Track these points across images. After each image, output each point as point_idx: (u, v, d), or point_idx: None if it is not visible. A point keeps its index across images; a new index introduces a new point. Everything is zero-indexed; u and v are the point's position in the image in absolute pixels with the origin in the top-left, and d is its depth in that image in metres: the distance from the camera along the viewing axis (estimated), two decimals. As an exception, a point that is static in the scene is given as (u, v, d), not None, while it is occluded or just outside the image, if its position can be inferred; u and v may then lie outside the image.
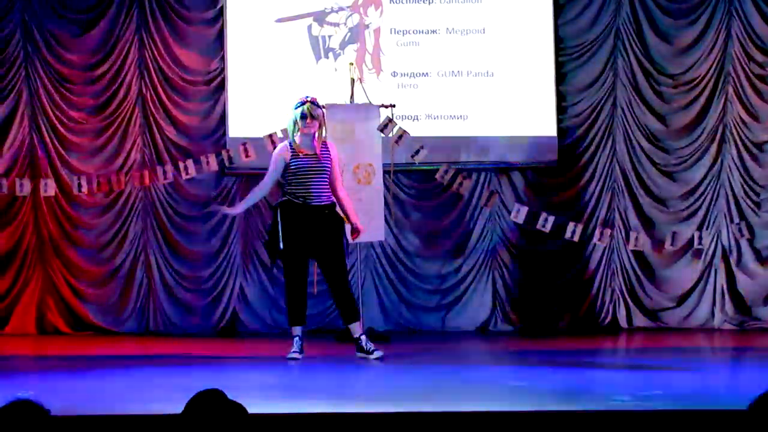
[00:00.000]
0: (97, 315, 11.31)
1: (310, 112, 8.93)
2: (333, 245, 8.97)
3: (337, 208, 9.02)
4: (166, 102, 11.35)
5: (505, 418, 6.03)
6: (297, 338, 9.05)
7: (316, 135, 8.97)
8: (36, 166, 11.30)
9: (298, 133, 8.99)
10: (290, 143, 9.02)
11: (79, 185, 10.74)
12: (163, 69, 11.36)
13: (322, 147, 8.98)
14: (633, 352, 10.49)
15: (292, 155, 8.95)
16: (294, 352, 8.97)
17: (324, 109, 9.17)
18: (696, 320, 11.30)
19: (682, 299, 11.31)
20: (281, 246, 8.92)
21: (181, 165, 10.64)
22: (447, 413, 6.09)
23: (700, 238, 10.83)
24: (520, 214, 10.51)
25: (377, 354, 8.95)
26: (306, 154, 8.94)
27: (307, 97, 9.07)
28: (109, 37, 11.36)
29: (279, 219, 8.94)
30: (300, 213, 8.88)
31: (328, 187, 8.97)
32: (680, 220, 11.26)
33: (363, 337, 9.07)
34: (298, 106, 9.00)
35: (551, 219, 10.46)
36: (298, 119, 8.95)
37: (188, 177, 10.76)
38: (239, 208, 9.67)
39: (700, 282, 11.30)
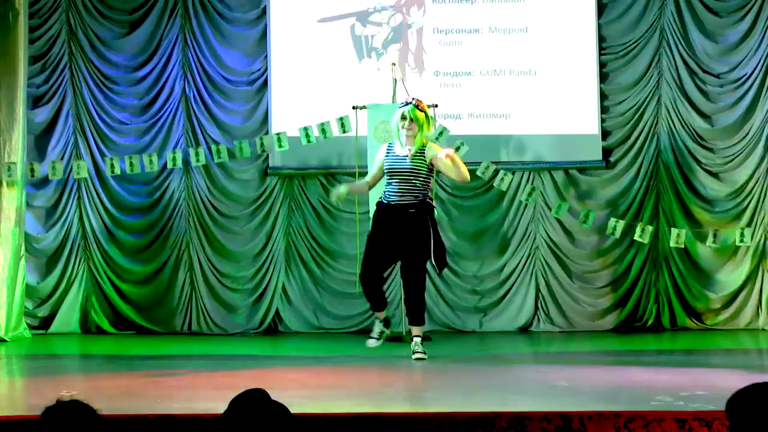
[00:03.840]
0: (140, 315, 11.36)
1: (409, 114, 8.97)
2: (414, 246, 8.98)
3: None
4: (209, 102, 11.39)
5: (548, 418, 6.01)
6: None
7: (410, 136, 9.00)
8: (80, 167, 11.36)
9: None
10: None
11: (112, 167, 10.78)
12: (206, 69, 11.40)
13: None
14: (676, 352, 10.41)
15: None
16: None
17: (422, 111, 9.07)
18: (741, 321, 11.21)
19: (728, 300, 11.22)
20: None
21: (213, 148, 10.72)
22: (489, 413, 6.07)
23: (742, 235, 10.75)
24: (561, 210, 10.49)
25: (418, 355, 8.94)
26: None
27: (410, 98, 9.12)
28: (153, 38, 11.42)
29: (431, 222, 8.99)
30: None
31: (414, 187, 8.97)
32: (727, 221, 11.17)
33: (417, 339, 9.07)
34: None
35: (592, 215, 10.44)
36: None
37: (219, 161, 10.83)
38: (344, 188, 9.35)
39: (747, 283, 11.20)
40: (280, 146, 10.37)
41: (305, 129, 10.33)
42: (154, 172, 11.27)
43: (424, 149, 8.95)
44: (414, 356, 8.93)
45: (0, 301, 10.67)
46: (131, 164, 10.78)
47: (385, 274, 9.47)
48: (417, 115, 8.91)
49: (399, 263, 9.16)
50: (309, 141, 10.30)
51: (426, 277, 9.07)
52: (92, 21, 11.42)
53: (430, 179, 9.01)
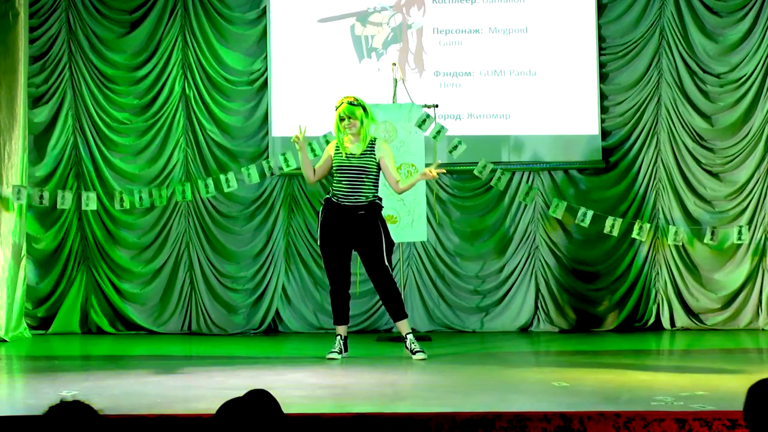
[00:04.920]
0: (140, 315, 11.37)
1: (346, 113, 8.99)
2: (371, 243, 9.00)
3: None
4: (209, 102, 11.39)
5: (547, 418, 6.01)
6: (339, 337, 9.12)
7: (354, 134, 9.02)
8: (79, 167, 11.37)
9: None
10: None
11: (121, 200, 10.81)
12: (206, 69, 11.41)
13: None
14: (676, 352, 10.43)
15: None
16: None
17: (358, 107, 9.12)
18: (741, 321, 11.21)
19: (728, 300, 11.22)
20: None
21: (222, 177, 10.71)
22: (489, 413, 6.07)
23: (740, 233, 10.75)
24: (558, 209, 10.50)
25: (419, 356, 8.94)
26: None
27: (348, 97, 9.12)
28: (153, 38, 11.43)
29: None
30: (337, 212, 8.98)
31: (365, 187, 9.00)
32: (727, 221, 11.17)
33: (409, 336, 9.08)
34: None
35: (590, 213, 10.45)
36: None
37: (229, 190, 10.83)
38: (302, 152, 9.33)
39: (747, 283, 11.20)
40: (288, 166, 10.36)
41: (309, 144, 10.31)
42: (153, 174, 11.29)
43: (373, 146, 8.99)
44: (415, 357, 8.93)
45: (0, 301, 10.67)
46: (141, 198, 10.82)
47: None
48: (354, 110, 8.93)
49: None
50: (315, 155, 10.23)
51: (391, 271, 9.08)
52: (92, 21, 11.43)
53: (378, 177, 9.04)
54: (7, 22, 10.82)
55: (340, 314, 9.13)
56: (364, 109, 9.03)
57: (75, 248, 11.43)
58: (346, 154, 8.98)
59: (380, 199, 9.08)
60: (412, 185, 9.12)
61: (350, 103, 8.98)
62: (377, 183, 9.05)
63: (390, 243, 9.10)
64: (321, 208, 9.10)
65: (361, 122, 8.97)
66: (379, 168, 9.01)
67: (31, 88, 11.25)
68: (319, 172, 9.19)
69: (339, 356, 9.02)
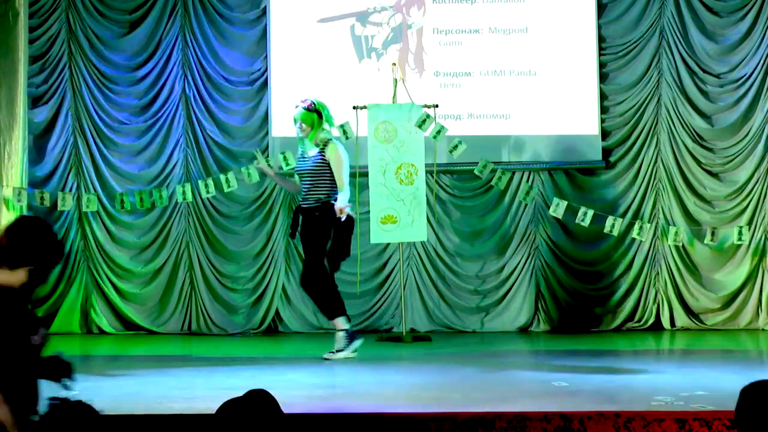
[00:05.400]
0: (140, 315, 11.36)
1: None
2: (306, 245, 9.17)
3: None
4: (208, 102, 11.39)
5: (547, 418, 6.01)
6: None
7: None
8: (79, 167, 11.37)
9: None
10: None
11: (122, 202, 10.80)
12: (206, 69, 11.40)
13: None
14: (676, 352, 10.43)
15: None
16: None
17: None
18: (741, 321, 11.20)
19: (728, 300, 11.21)
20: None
21: (222, 177, 10.68)
22: (489, 413, 6.07)
23: (740, 233, 10.76)
24: (559, 208, 10.50)
25: (327, 354, 8.99)
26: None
27: (303, 100, 9.22)
28: (153, 38, 11.42)
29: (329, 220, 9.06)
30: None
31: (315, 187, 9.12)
32: (727, 221, 11.16)
33: (339, 334, 9.16)
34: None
35: (590, 213, 10.45)
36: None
37: (230, 190, 10.81)
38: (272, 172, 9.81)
39: (747, 283, 11.19)
40: (287, 165, 10.36)
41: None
42: (153, 174, 11.29)
43: (325, 148, 9.09)
44: (324, 355, 9.00)
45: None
46: (141, 200, 10.80)
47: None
48: (305, 116, 9.05)
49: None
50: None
51: (324, 273, 9.11)
52: (92, 21, 11.42)
53: (333, 179, 9.10)
54: (7, 22, 10.81)
55: (342, 304, 9.30)
56: (320, 115, 9.14)
57: (75, 248, 11.42)
58: (302, 156, 9.21)
59: (336, 201, 9.13)
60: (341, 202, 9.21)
61: (305, 108, 9.11)
62: (332, 184, 9.12)
63: (338, 246, 9.11)
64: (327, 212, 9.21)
65: (312, 126, 9.10)
66: (331, 170, 9.12)
67: (31, 88, 11.24)
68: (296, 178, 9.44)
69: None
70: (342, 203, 9.07)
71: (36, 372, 4.86)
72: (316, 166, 9.11)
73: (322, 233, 9.05)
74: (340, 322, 9.19)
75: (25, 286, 4.91)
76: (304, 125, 9.13)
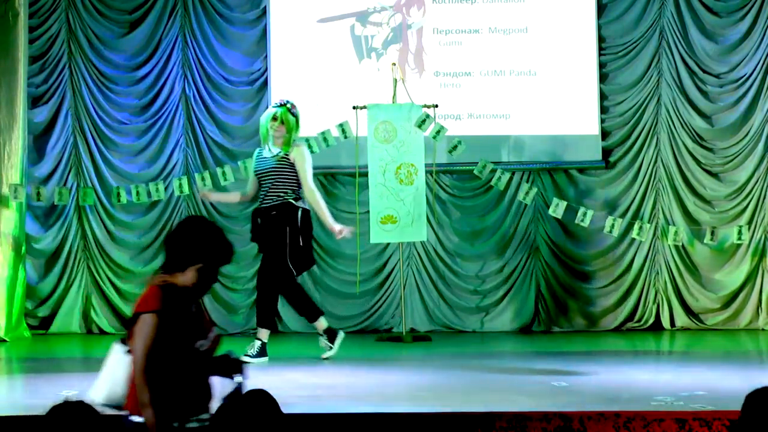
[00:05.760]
0: (140, 315, 11.34)
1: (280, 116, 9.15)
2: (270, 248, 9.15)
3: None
4: (208, 102, 11.39)
5: (547, 418, 6.01)
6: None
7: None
8: (79, 167, 11.37)
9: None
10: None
11: (118, 195, 10.78)
12: (206, 69, 11.41)
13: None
14: (676, 352, 10.43)
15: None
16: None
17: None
18: (741, 321, 11.20)
19: (727, 300, 11.21)
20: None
21: (218, 171, 10.64)
22: (489, 413, 6.07)
23: (740, 233, 10.76)
24: (558, 208, 10.50)
25: (245, 358, 8.98)
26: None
27: (284, 101, 9.23)
28: (153, 38, 11.42)
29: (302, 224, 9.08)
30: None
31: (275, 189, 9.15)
32: (726, 221, 11.16)
33: (255, 342, 9.13)
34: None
35: (590, 213, 10.46)
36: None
37: (226, 184, 10.78)
38: (215, 196, 9.84)
39: (747, 283, 11.19)
40: None
41: (307, 140, 10.31)
42: (153, 174, 11.29)
43: (290, 150, 9.15)
44: (242, 356, 8.99)
45: (0, 301, 10.67)
46: (137, 193, 10.74)
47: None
48: (288, 118, 9.04)
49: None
50: (313, 152, 10.30)
51: (284, 276, 9.12)
52: (92, 21, 11.43)
53: (295, 180, 9.12)
54: (7, 22, 10.82)
55: (272, 316, 9.29)
56: (297, 120, 9.21)
57: (75, 248, 11.42)
58: (266, 156, 9.18)
59: (297, 200, 9.14)
60: (320, 214, 9.27)
61: (289, 110, 9.10)
62: (294, 185, 9.14)
63: (300, 248, 9.12)
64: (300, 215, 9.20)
65: (289, 131, 9.11)
66: (295, 172, 9.14)
67: (31, 88, 11.25)
68: (253, 190, 9.36)
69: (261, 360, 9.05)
70: (334, 224, 9.30)
71: (209, 370, 4.85)
72: (279, 166, 9.10)
73: (281, 232, 9.02)
74: (264, 334, 9.17)
75: (196, 285, 4.90)
76: (283, 126, 9.09)
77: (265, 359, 9.09)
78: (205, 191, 9.82)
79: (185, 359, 4.81)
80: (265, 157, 9.19)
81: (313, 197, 9.23)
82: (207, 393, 4.83)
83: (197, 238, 4.91)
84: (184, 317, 4.88)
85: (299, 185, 9.13)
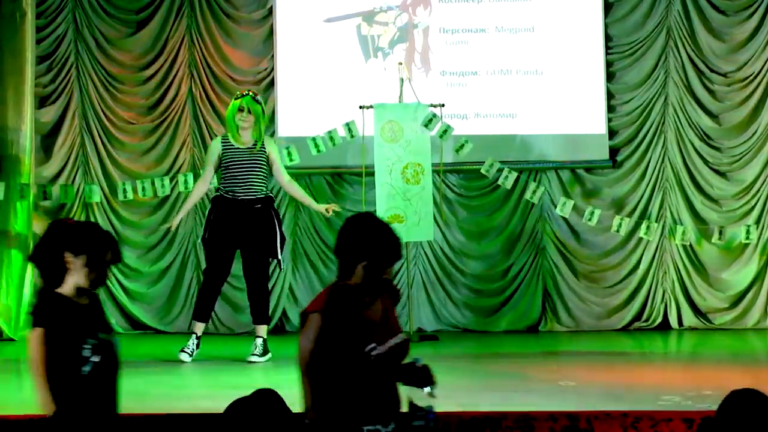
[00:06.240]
0: (147, 314, 11.36)
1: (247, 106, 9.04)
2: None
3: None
4: (215, 102, 11.39)
5: (554, 417, 6.01)
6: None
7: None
8: (86, 167, 11.38)
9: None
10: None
11: (124, 191, 10.76)
12: (213, 69, 11.41)
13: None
14: (684, 352, 10.43)
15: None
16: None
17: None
18: (749, 321, 11.18)
19: (735, 300, 11.19)
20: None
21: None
22: (496, 413, 6.07)
23: (748, 232, 10.75)
24: (566, 207, 10.49)
25: (254, 359, 8.99)
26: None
27: (246, 91, 9.20)
28: (160, 37, 11.43)
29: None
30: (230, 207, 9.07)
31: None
32: (734, 220, 11.14)
33: (258, 340, 9.13)
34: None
35: (597, 212, 10.45)
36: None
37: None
38: (179, 216, 9.64)
39: (755, 282, 11.17)
40: (291, 160, 10.35)
41: (314, 139, 10.31)
42: (160, 174, 11.28)
43: (266, 141, 9.14)
44: (248, 358, 8.96)
45: (8, 300, 10.69)
46: (143, 188, 10.72)
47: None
48: (255, 107, 9.01)
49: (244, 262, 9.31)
50: (319, 151, 10.31)
51: (266, 275, 9.24)
52: (99, 20, 11.43)
53: (269, 172, 9.18)
54: (14, 22, 10.84)
55: (206, 311, 9.20)
56: (263, 109, 9.20)
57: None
58: (239, 147, 9.06)
59: (271, 193, 9.24)
60: (304, 201, 9.40)
61: (253, 98, 9.05)
62: (268, 178, 9.23)
63: (283, 238, 9.21)
64: (212, 204, 9.20)
65: (257, 119, 9.07)
66: (269, 164, 9.16)
67: (38, 88, 11.25)
68: (210, 176, 9.28)
69: (190, 358, 9.01)
70: (319, 205, 9.52)
71: (391, 378, 4.60)
72: (257, 158, 9.08)
73: (271, 226, 9.04)
74: (264, 330, 9.21)
75: (363, 284, 4.66)
76: (251, 116, 9.05)
77: (269, 356, 9.10)
78: (172, 222, 9.59)
79: (354, 363, 4.56)
80: (237, 148, 9.07)
81: (295, 186, 9.38)
82: (388, 402, 4.61)
83: (359, 235, 4.73)
84: (353, 319, 4.63)
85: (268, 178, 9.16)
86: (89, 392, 4.84)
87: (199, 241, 11.11)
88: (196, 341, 9.07)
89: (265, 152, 9.11)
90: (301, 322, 4.78)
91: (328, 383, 4.55)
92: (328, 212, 9.51)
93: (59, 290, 4.92)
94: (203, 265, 11.29)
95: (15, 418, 6.44)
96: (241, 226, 9.03)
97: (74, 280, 4.90)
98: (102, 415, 4.81)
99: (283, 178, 9.28)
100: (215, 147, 9.15)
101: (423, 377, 4.61)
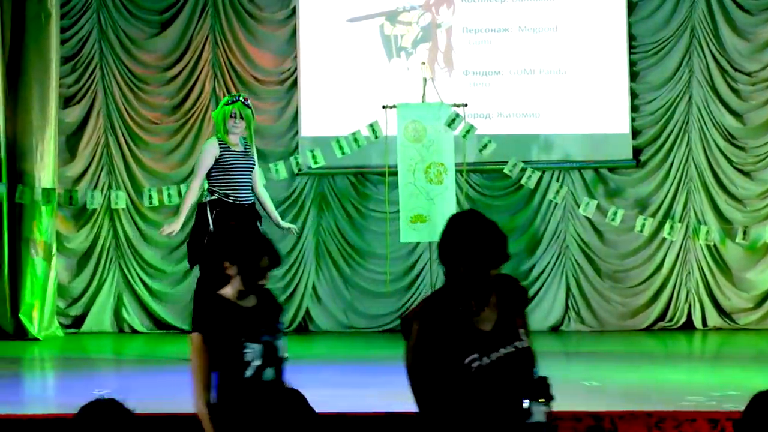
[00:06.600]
0: (171, 314, 11.39)
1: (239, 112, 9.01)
2: None
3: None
4: (239, 102, 11.40)
5: (578, 417, 6.00)
6: None
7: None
8: (111, 167, 11.42)
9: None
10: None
11: (150, 197, 10.78)
12: (237, 69, 11.44)
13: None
14: (708, 352, 10.39)
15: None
16: None
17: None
18: (773, 321, 11.15)
19: (760, 300, 11.16)
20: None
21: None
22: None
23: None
24: (589, 207, 10.48)
25: None
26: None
27: (238, 96, 9.18)
28: (183, 38, 11.46)
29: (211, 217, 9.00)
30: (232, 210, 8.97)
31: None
32: (758, 220, 11.11)
33: None
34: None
35: (620, 212, 10.43)
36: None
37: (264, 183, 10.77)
38: (179, 221, 9.33)
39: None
40: (316, 162, 10.36)
41: (338, 141, 10.31)
42: (184, 173, 11.31)
43: (251, 145, 9.12)
44: None
45: (33, 300, 10.74)
46: (169, 195, 10.71)
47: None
48: (246, 112, 9.00)
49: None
50: (343, 153, 10.31)
51: None
52: (123, 21, 11.47)
53: None
54: (39, 23, 10.89)
55: None
56: (252, 113, 9.14)
57: (107, 247, 11.46)
58: (235, 151, 9.01)
59: None
60: (271, 214, 9.34)
61: (244, 103, 9.02)
62: None
63: None
64: (211, 209, 8.97)
65: (248, 125, 9.04)
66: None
67: (63, 88, 11.30)
68: (203, 178, 9.14)
69: None
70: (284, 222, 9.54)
71: (517, 391, 4.15)
72: (251, 161, 9.07)
73: (258, 228, 9.08)
74: None
75: (465, 286, 4.29)
76: (243, 122, 9.01)
77: None
78: (165, 227, 9.32)
79: (454, 375, 4.18)
80: (234, 152, 9.01)
81: (267, 196, 9.33)
82: (505, 418, 4.17)
83: (454, 236, 4.45)
84: (450, 327, 4.23)
85: None
86: (253, 394, 4.84)
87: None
88: None
89: (254, 156, 9.12)
90: (402, 328, 4.44)
91: (432, 394, 4.24)
92: (291, 232, 9.53)
93: (221, 291, 4.94)
94: (227, 265, 11.31)
95: (35, 418, 6.46)
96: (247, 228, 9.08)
97: (235, 284, 4.93)
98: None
99: (260, 182, 9.27)
100: (213, 149, 9.04)
101: (538, 390, 4.20)
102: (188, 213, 9.21)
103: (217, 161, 8.94)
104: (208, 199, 8.96)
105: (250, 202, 9.00)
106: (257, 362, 4.89)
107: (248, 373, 4.87)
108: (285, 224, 9.44)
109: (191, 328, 5.01)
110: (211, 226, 8.88)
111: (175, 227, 9.13)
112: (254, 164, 9.08)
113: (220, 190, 8.92)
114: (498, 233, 4.28)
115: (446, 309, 4.24)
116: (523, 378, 4.18)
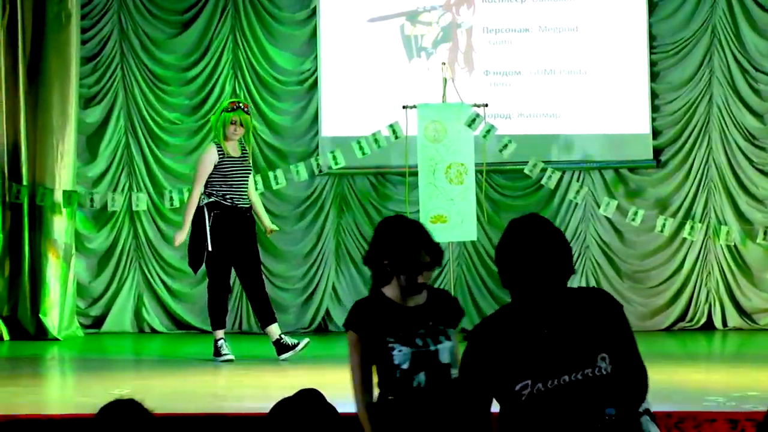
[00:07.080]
0: (191, 314, 11.40)
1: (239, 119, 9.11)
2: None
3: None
4: (259, 102, 11.43)
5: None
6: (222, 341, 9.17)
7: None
8: (131, 167, 11.45)
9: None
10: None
11: (171, 198, 10.81)
12: (257, 69, 11.45)
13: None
14: (728, 352, 10.36)
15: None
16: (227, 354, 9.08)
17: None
18: (794, 322, 11.11)
19: (780, 300, 11.13)
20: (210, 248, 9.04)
21: (270, 174, 10.64)
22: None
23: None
24: (609, 207, 10.46)
25: (303, 343, 9.04)
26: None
27: (238, 103, 9.26)
28: (204, 38, 11.48)
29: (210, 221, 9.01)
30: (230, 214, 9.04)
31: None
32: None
33: (283, 336, 9.16)
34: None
35: (641, 212, 10.41)
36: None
37: (278, 187, 10.78)
38: (185, 231, 9.32)
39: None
40: (336, 164, 10.37)
41: (358, 142, 10.31)
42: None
43: (246, 150, 9.27)
44: (300, 347, 9.04)
45: (53, 300, 10.78)
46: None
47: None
48: (246, 119, 9.07)
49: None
50: (364, 154, 10.32)
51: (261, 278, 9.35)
52: (143, 21, 11.50)
53: None
54: (60, 23, 10.94)
55: (223, 319, 9.28)
56: (251, 120, 9.34)
57: (127, 247, 11.49)
58: (233, 156, 9.13)
59: None
60: (261, 214, 9.42)
61: (244, 110, 9.10)
62: None
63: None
64: (208, 212, 9.04)
65: (247, 131, 9.19)
66: None
67: (83, 88, 11.34)
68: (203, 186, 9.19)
69: (233, 356, 9.10)
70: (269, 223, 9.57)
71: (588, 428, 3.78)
72: (248, 166, 9.27)
73: (254, 232, 9.18)
74: (278, 327, 9.25)
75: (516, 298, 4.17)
76: (242, 128, 9.14)
77: (301, 345, 9.13)
78: (176, 237, 9.40)
79: (505, 404, 4.01)
80: (232, 157, 9.14)
81: (258, 198, 9.52)
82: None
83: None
84: (500, 345, 4.13)
85: None
86: (402, 400, 4.68)
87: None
88: (225, 343, 9.11)
89: (250, 161, 9.22)
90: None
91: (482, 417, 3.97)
92: (270, 233, 9.58)
93: (384, 289, 4.82)
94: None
95: (54, 418, 6.48)
96: (242, 234, 9.09)
97: (395, 282, 4.79)
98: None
99: (253, 187, 9.41)
100: (212, 157, 9.11)
101: None
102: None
103: (215, 167, 9.05)
104: (205, 202, 9.04)
105: (247, 205, 9.09)
106: (405, 366, 4.67)
107: (398, 376, 4.69)
108: (270, 225, 9.48)
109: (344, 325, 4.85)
110: (209, 229, 8.94)
111: (181, 237, 9.22)
112: (251, 169, 9.31)
113: (218, 193, 9.02)
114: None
115: (515, 328, 3.88)
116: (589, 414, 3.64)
